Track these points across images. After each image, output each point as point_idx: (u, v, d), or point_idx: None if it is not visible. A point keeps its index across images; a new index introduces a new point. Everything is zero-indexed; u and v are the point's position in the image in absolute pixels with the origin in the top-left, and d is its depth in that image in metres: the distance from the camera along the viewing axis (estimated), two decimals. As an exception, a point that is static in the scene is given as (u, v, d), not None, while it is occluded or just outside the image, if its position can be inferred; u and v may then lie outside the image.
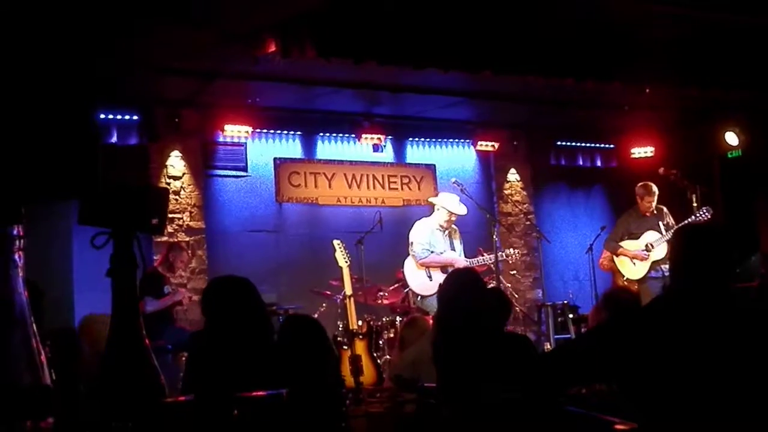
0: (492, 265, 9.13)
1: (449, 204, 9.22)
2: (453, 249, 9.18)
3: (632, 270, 9.38)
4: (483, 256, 9.19)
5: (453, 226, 9.24)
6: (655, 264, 9.21)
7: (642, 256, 9.31)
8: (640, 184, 9.55)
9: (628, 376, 3.14)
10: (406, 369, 7.46)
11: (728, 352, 2.99)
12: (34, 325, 1.95)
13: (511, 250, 9.66)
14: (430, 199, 9.65)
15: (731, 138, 11.57)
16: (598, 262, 10.11)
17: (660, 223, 9.20)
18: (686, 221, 8.98)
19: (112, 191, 2.54)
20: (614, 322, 3.52)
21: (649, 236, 9.25)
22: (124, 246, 2.51)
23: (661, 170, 9.77)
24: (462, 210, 9.26)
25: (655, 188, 9.41)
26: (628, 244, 9.45)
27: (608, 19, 8.08)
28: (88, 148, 2.15)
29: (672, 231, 8.97)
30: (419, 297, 9.00)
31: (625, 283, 9.53)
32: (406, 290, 9.12)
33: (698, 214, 9.08)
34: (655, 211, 9.37)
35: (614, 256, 9.60)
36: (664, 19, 8.11)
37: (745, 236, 11.35)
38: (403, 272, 9.14)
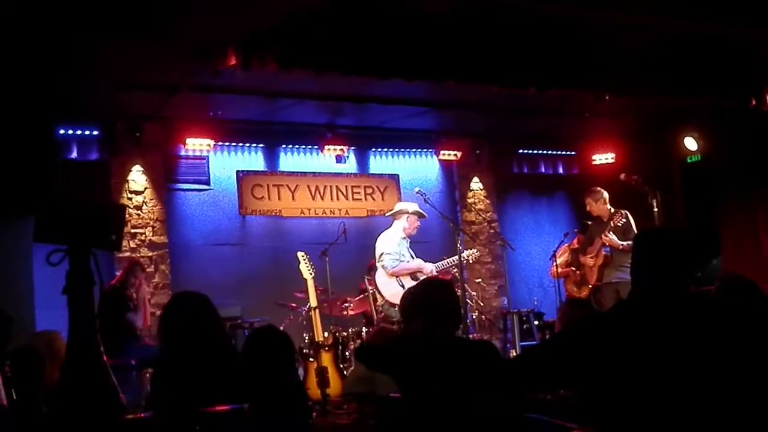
0: (456, 273, 9.16)
1: (415, 207, 9.28)
2: (413, 258, 9.24)
3: (591, 276, 9.46)
4: (446, 259, 9.25)
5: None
6: (606, 269, 9.27)
7: (589, 262, 9.43)
8: None
9: (592, 381, 3.15)
10: (358, 384, 7.51)
11: (688, 355, 3.01)
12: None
13: (469, 251, 9.62)
14: (396, 208, 9.56)
15: (690, 143, 11.70)
16: (551, 270, 10.16)
17: (608, 226, 9.24)
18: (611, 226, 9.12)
19: (67, 208, 2.51)
20: (577, 327, 3.53)
21: (597, 242, 9.35)
22: (80, 263, 2.48)
23: (622, 176, 9.84)
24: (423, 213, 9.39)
25: (595, 192, 9.50)
26: (588, 250, 9.52)
27: (568, 28, 8.15)
28: (46, 163, 2.13)
29: (610, 233, 9.10)
30: (396, 307, 8.99)
31: (575, 290, 9.61)
32: (382, 303, 9.08)
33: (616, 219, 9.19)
34: (611, 215, 9.39)
35: (581, 263, 9.64)
36: (623, 28, 8.19)
37: (706, 240, 11.48)
38: (374, 282, 9.13)
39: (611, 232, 9.11)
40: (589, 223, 9.80)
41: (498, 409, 3.61)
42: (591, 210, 9.56)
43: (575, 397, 3.98)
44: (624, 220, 9.17)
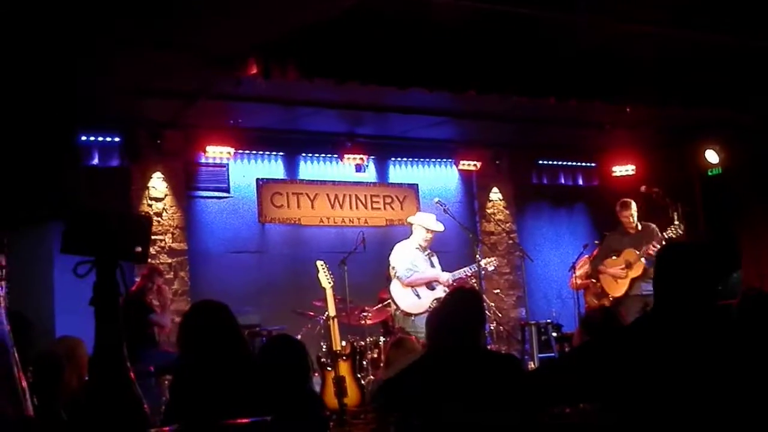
0: (475, 283, 9.15)
1: (427, 222, 9.30)
2: (433, 267, 9.24)
3: (614, 288, 9.40)
4: (463, 268, 9.24)
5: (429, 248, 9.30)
6: (636, 282, 9.22)
7: (620, 274, 9.35)
8: (619, 201, 9.62)
9: (612, 395, 3.14)
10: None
11: (710, 371, 3.00)
12: (16, 354, 1.93)
13: (487, 259, 9.57)
14: (409, 219, 9.67)
15: (711, 156, 11.65)
16: (570, 281, 10.11)
17: (642, 240, 9.20)
18: (664, 237, 9.04)
19: (94, 219, 2.50)
20: (598, 342, 3.52)
21: (629, 254, 9.28)
22: (107, 275, 2.48)
23: (643, 188, 9.82)
24: (439, 227, 9.36)
25: (632, 204, 9.45)
26: (610, 262, 9.47)
27: (589, 39, 8.13)
28: (70, 170, 2.13)
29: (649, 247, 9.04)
30: (412, 318, 8.96)
31: (596, 302, 9.55)
32: (397, 312, 9.07)
33: (670, 231, 9.10)
34: (639, 228, 9.38)
35: (599, 275, 9.61)
36: (644, 39, 8.18)
37: (727, 254, 11.40)
38: (389, 293, 9.13)
39: (660, 243, 8.98)
40: (606, 234, 9.75)
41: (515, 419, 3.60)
42: (629, 222, 9.42)
43: (595, 410, 3.96)
44: (680, 232, 9.08)
